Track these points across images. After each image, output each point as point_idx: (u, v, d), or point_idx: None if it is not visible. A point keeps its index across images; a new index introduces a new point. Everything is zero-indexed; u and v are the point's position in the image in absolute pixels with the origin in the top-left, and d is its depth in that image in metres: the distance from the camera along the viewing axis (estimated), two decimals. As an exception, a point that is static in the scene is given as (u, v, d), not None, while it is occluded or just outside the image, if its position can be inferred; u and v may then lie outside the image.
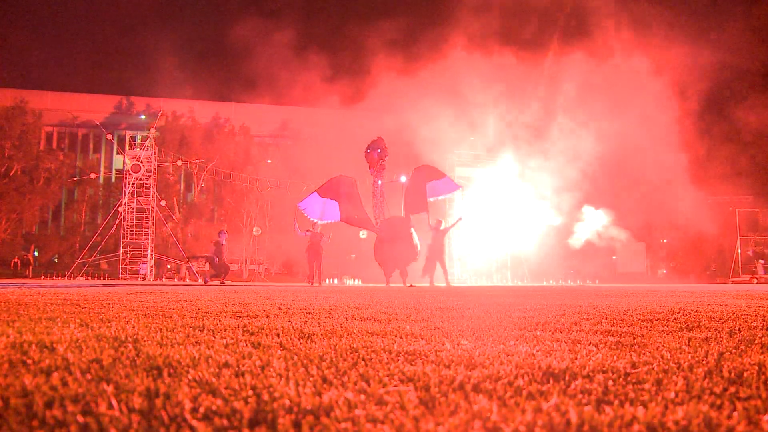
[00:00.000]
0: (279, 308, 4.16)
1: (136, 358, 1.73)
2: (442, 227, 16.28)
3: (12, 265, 30.66)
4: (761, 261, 28.19)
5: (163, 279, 26.20)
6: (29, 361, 1.64)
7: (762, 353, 1.97)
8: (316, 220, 15.72)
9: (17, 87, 36.17)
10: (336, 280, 22.96)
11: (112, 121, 38.38)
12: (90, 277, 26.10)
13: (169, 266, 25.67)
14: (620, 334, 2.53)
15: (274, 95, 34.17)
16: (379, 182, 15.58)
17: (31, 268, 30.16)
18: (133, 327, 2.64)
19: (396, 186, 19.33)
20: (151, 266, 26.53)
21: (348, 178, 15.87)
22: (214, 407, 1.15)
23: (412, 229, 15.82)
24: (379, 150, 15.57)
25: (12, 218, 30.35)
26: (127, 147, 27.39)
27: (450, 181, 16.75)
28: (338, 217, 15.67)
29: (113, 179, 36.86)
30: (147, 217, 26.65)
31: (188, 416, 1.09)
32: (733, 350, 2.03)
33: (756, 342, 2.28)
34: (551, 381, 1.46)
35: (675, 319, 3.39)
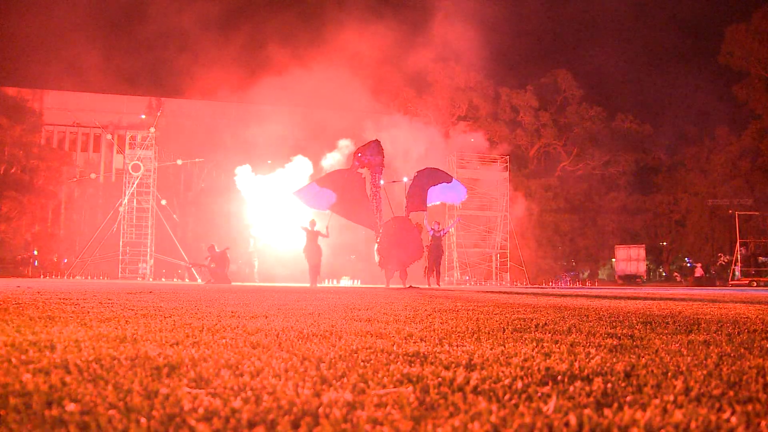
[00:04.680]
0: (278, 309, 4.16)
1: (135, 357, 1.73)
2: (439, 228, 16.29)
3: (11, 264, 30.65)
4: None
5: (163, 279, 26.20)
6: (28, 360, 1.64)
7: (761, 356, 1.97)
8: (312, 208, 15.43)
9: (17, 86, 36.15)
10: (335, 281, 22.94)
11: (112, 120, 38.38)
12: (89, 277, 26.09)
13: (180, 270, 25.70)
14: (619, 337, 2.53)
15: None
16: (382, 182, 15.42)
17: (30, 267, 30.15)
18: (133, 327, 2.64)
19: (398, 186, 19.29)
20: (151, 266, 26.52)
21: (354, 172, 15.38)
22: (213, 408, 1.15)
23: (426, 224, 15.64)
24: (359, 154, 15.25)
25: (11, 217, 30.35)
26: (127, 147, 27.37)
27: (458, 185, 16.42)
28: (328, 207, 15.14)
29: (113, 179, 36.88)
30: (147, 217, 26.65)
31: (187, 416, 1.09)
32: (733, 353, 2.03)
33: (755, 345, 2.28)
34: (550, 383, 1.46)
35: (674, 321, 3.39)
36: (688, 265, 29.54)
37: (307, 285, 15.20)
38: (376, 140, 15.69)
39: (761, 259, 27.56)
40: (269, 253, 23.68)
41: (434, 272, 16.14)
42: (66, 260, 31.03)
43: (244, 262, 25.57)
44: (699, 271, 28.97)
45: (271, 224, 22.60)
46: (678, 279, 28.16)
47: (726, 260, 30.22)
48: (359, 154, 15.27)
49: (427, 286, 15.50)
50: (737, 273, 27.86)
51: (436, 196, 15.81)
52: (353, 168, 15.40)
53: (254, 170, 24.07)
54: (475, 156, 29.50)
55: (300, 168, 23.00)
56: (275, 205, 21.99)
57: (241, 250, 24.78)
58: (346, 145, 23.12)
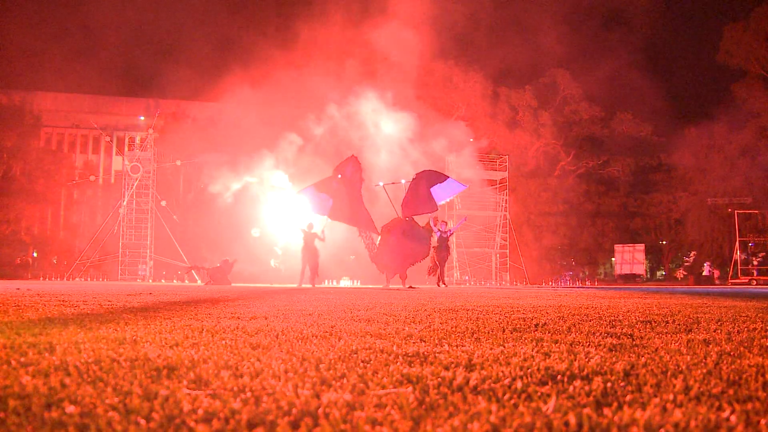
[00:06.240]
0: (278, 310, 4.16)
1: (134, 359, 1.73)
2: (446, 229, 16.28)
3: (11, 266, 30.63)
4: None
5: (162, 281, 26.20)
6: (28, 363, 1.64)
7: (761, 355, 1.97)
8: (316, 212, 15.58)
9: (17, 87, 36.16)
10: (335, 282, 22.92)
11: (110, 122, 38.38)
12: (89, 279, 26.07)
13: (180, 272, 25.69)
14: (619, 336, 2.53)
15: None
16: (381, 183, 15.55)
17: (30, 269, 30.12)
18: (132, 328, 2.64)
19: (397, 188, 19.33)
20: (151, 267, 26.48)
21: (349, 177, 15.50)
22: (212, 409, 1.15)
23: (433, 225, 15.67)
24: (339, 176, 15.39)
25: (11, 219, 30.34)
26: (126, 148, 27.36)
27: (454, 183, 16.48)
28: (327, 214, 15.30)
29: (113, 181, 36.89)
30: (146, 219, 26.63)
31: (187, 418, 1.09)
32: (732, 352, 2.03)
33: (755, 343, 2.28)
34: (550, 383, 1.46)
35: (674, 320, 3.39)
36: (708, 268, 29.92)
37: (300, 285, 15.21)
38: (353, 156, 15.79)
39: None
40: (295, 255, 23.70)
41: (437, 272, 16.14)
42: (65, 262, 31.02)
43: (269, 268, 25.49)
44: (708, 271, 29.24)
45: (287, 228, 22.69)
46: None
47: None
48: (339, 175, 15.35)
49: (427, 286, 15.51)
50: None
51: (439, 197, 15.83)
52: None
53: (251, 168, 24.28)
54: (473, 156, 29.49)
55: (288, 147, 23.36)
56: (284, 208, 22.32)
57: (239, 251, 24.73)
58: (332, 115, 23.50)
